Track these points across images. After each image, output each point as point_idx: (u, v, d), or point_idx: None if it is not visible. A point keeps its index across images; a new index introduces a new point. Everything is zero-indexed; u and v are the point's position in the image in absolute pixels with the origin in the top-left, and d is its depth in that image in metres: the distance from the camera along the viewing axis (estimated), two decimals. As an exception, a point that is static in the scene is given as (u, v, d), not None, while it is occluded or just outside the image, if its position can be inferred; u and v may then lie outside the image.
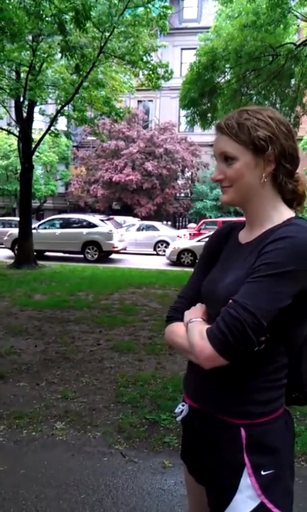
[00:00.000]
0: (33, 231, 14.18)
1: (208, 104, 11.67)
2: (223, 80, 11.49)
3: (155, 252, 19.54)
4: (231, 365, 1.16)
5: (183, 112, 12.89)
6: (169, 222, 27.10)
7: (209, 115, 11.89)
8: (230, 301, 1.15)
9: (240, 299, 1.12)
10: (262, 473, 1.21)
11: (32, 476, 2.81)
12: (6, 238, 16.60)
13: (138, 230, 20.36)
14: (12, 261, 13.95)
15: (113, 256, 17.33)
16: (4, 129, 14.57)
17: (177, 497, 2.63)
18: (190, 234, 19.77)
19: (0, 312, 7.29)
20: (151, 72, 12.08)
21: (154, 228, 20.36)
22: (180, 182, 28.42)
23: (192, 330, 1.25)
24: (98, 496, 2.63)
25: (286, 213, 1.27)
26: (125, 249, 17.58)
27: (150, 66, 12.00)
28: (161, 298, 8.81)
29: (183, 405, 1.41)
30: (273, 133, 1.22)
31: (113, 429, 3.42)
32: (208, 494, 1.32)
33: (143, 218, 24.57)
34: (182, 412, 1.41)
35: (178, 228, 25.63)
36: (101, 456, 3.07)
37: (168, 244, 18.72)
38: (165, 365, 4.89)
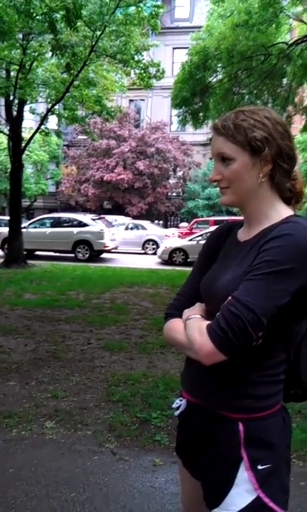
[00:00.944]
0: (23, 230, 14.10)
1: (200, 104, 11.71)
2: (215, 80, 11.53)
3: (143, 251, 19.55)
4: (229, 360, 1.16)
5: (175, 111, 12.94)
6: (161, 222, 27.12)
7: (200, 114, 11.93)
8: (230, 297, 1.15)
9: (240, 296, 1.13)
10: (259, 467, 1.21)
11: (21, 475, 2.79)
12: (-5, 237, 16.50)
13: (127, 229, 20.36)
14: (1, 260, 13.85)
15: (104, 255, 17.31)
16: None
17: (168, 495, 2.63)
18: (180, 233, 19.77)
19: (-10, 311, 7.25)
20: (142, 71, 12.06)
21: (142, 227, 20.38)
22: (171, 181, 28.45)
23: (192, 326, 1.26)
24: (89, 495, 2.62)
25: (284, 212, 1.28)
26: (116, 248, 17.58)
27: (141, 65, 11.98)
28: (153, 297, 8.81)
29: (181, 400, 1.42)
30: (269, 133, 1.23)
31: (104, 428, 3.41)
32: (204, 488, 1.33)
33: (134, 217, 24.56)
34: (179, 407, 1.41)
35: (170, 227, 25.65)
36: (91, 454, 3.05)
37: (156, 243, 18.71)
38: (157, 364, 4.89)
